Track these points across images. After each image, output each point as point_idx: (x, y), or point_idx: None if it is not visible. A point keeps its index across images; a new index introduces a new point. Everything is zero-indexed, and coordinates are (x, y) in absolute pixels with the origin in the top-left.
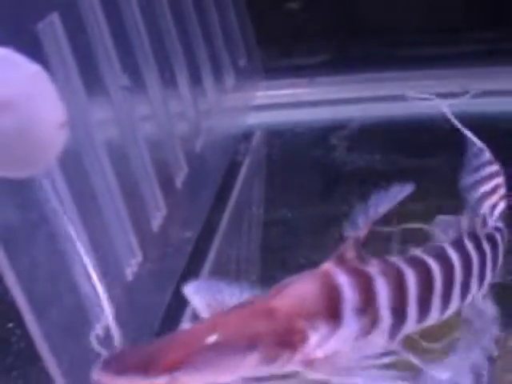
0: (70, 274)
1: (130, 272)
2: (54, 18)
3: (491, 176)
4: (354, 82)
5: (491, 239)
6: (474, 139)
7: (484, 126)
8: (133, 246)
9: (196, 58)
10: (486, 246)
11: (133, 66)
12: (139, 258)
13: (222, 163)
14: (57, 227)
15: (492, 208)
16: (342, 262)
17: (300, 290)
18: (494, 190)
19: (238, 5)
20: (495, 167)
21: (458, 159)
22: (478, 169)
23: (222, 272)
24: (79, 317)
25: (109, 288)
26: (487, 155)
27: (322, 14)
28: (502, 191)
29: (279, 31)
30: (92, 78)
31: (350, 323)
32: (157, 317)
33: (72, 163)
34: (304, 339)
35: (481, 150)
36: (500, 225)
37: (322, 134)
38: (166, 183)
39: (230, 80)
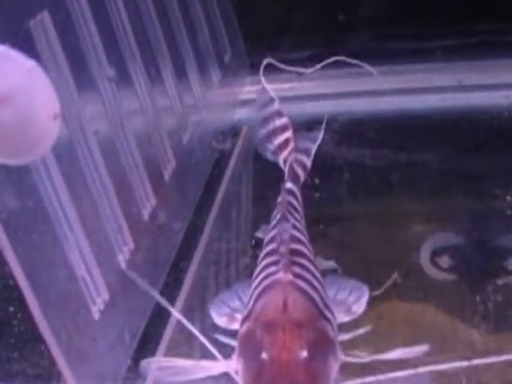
0: (67, 259)
1: (122, 259)
2: (45, 16)
3: (282, 129)
4: (343, 76)
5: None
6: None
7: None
8: (124, 234)
9: (181, 54)
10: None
11: (119, 63)
12: (131, 245)
13: (209, 157)
14: (53, 213)
15: (284, 163)
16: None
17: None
18: (285, 144)
19: (224, 2)
20: (285, 120)
21: (448, 154)
22: (267, 120)
23: (211, 262)
24: (76, 299)
25: (103, 274)
26: (276, 106)
27: (309, 8)
28: (292, 146)
29: (266, 26)
30: (82, 74)
31: None
32: (149, 304)
33: (65, 153)
34: None
35: (272, 100)
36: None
37: (310, 129)
38: (155, 175)
39: (215, 75)
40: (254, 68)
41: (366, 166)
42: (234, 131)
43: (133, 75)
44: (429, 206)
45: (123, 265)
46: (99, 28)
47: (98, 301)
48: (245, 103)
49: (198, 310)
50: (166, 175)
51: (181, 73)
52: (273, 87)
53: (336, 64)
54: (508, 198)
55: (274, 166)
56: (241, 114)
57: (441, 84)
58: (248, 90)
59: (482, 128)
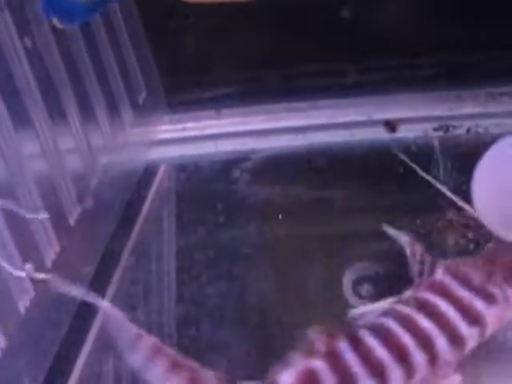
0: None
1: (22, 306)
2: None
3: None
4: (258, 113)
5: None
6: None
7: None
8: (25, 282)
9: (89, 95)
10: None
11: (19, 104)
12: (32, 293)
13: (122, 199)
14: None
15: None
16: None
17: None
18: None
19: (137, 38)
20: None
21: (356, 190)
22: None
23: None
24: None
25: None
26: None
27: (227, 46)
28: None
29: (184, 64)
30: None
31: None
32: (51, 351)
33: None
34: None
35: None
36: None
37: (226, 167)
38: (59, 220)
39: (127, 115)
40: (171, 107)
41: (276, 204)
42: (149, 171)
43: (33, 117)
44: (340, 240)
45: (23, 312)
46: None
47: None
48: (161, 142)
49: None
50: (71, 220)
51: (88, 114)
52: (188, 126)
53: (252, 101)
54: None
55: (191, 206)
56: (157, 153)
57: (349, 119)
58: (165, 128)
59: (388, 162)
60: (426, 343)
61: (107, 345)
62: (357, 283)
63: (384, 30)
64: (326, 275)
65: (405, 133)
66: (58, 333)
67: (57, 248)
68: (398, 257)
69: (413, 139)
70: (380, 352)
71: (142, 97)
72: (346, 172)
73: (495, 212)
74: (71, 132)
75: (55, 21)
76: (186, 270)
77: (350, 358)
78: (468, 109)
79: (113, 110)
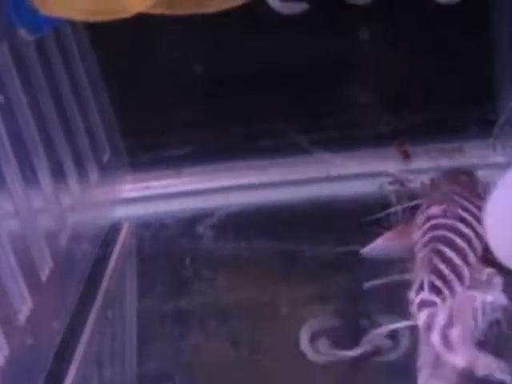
0: None
1: None
2: None
3: None
4: (219, 171)
5: None
6: None
7: None
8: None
9: (59, 154)
10: None
11: None
12: (6, 350)
13: (89, 256)
14: None
15: None
16: None
17: None
18: None
19: (101, 100)
20: None
21: (322, 246)
22: None
23: (91, 362)
24: None
25: None
26: None
27: (187, 106)
28: None
29: (145, 124)
30: None
31: None
32: None
33: None
34: None
35: None
36: None
37: (190, 224)
38: (31, 277)
39: (93, 175)
40: (133, 167)
41: (241, 258)
42: (114, 229)
43: (6, 176)
44: (304, 292)
45: None
46: None
47: None
48: (125, 201)
49: None
50: (43, 276)
51: (58, 173)
52: (151, 185)
53: (212, 160)
54: (379, 280)
55: (156, 263)
56: (121, 212)
57: (308, 176)
58: (128, 188)
59: (349, 216)
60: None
61: None
62: (314, 337)
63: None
64: (284, 330)
65: (363, 187)
66: None
67: (30, 304)
68: (356, 310)
69: (370, 193)
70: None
71: (106, 157)
72: (308, 226)
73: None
74: (42, 191)
75: (23, 32)
76: (154, 327)
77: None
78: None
79: (80, 169)
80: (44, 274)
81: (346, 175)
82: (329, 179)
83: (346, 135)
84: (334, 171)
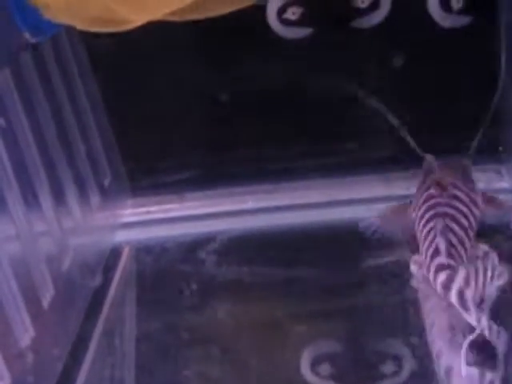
0: None
1: None
2: None
3: None
4: (221, 195)
5: None
6: None
7: None
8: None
9: (60, 179)
10: None
11: None
12: (7, 379)
13: (90, 281)
14: None
15: None
16: None
17: None
18: None
19: (102, 124)
20: None
21: (323, 270)
22: None
23: None
24: None
25: None
26: None
27: (187, 130)
28: None
29: (146, 148)
30: None
31: None
32: None
33: None
34: None
35: None
36: None
37: (191, 249)
38: (33, 304)
39: (95, 199)
40: (134, 191)
41: (244, 284)
42: (115, 253)
43: (8, 200)
44: (306, 316)
45: None
46: None
47: None
48: (126, 225)
49: None
50: (45, 303)
51: (59, 197)
52: (152, 209)
53: (214, 184)
54: (383, 307)
55: (157, 289)
56: (122, 236)
57: (314, 200)
58: (130, 212)
59: (352, 241)
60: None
61: None
62: (316, 363)
63: None
64: (286, 354)
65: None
66: None
67: (31, 332)
68: (358, 334)
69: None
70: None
71: (107, 181)
72: (310, 251)
73: None
74: (44, 215)
75: (27, 35)
76: (156, 353)
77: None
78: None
79: (81, 193)
80: (46, 301)
81: (350, 200)
82: (332, 204)
83: (349, 159)
84: (338, 196)
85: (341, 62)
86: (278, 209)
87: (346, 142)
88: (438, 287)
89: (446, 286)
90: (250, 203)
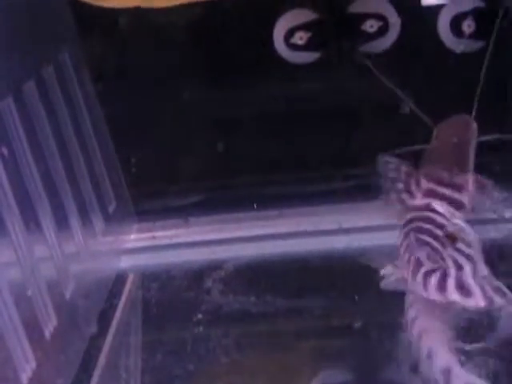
0: None
1: None
2: None
3: None
4: (227, 222)
5: None
6: None
7: None
8: None
9: (63, 205)
10: None
11: None
12: None
13: (94, 310)
14: None
15: None
16: None
17: None
18: None
19: (106, 150)
20: None
21: (332, 300)
22: None
23: None
24: None
25: None
26: None
27: (194, 154)
28: None
29: (151, 173)
30: None
31: None
32: None
33: None
34: None
35: None
36: None
37: (198, 276)
38: (35, 334)
39: (99, 225)
40: (139, 216)
41: (251, 313)
42: (119, 280)
43: (9, 227)
44: (314, 346)
45: None
46: None
47: None
48: (131, 251)
49: None
50: (47, 333)
51: (63, 223)
52: (157, 235)
53: (220, 210)
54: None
55: (163, 317)
56: (127, 262)
57: (322, 227)
58: (134, 237)
59: (361, 269)
60: None
61: None
62: None
63: None
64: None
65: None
66: None
67: (33, 364)
68: (371, 366)
69: (383, 245)
70: None
71: (111, 207)
72: (318, 279)
73: None
74: (46, 241)
75: None
76: (161, 383)
77: None
78: None
79: (85, 219)
80: (48, 330)
81: (359, 227)
82: (340, 231)
83: (356, 186)
84: (346, 223)
85: (347, 87)
86: (285, 235)
87: (354, 167)
88: (432, 292)
89: (441, 288)
90: (256, 230)
